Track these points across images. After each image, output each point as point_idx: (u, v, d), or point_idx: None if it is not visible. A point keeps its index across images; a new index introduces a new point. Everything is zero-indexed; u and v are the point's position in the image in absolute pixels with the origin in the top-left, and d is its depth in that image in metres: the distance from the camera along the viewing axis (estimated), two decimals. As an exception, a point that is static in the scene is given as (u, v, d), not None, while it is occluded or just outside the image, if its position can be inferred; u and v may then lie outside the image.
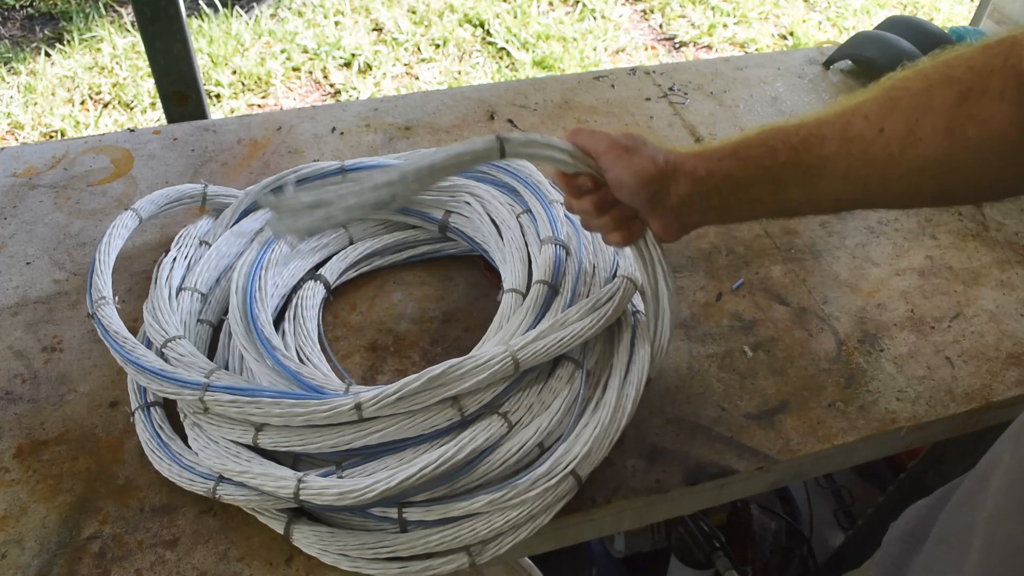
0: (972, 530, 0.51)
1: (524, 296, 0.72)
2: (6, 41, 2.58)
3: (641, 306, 0.74)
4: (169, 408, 0.70)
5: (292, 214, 0.60)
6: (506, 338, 0.67)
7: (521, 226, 0.79)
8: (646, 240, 0.67)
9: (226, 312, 0.75)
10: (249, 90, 2.46)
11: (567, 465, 0.61)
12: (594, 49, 2.73)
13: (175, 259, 0.79)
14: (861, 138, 0.57)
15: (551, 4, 2.98)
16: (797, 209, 0.65)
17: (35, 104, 2.33)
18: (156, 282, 0.76)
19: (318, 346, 0.75)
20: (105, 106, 2.35)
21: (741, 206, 0.64)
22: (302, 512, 0.64)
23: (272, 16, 2.76)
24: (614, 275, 0.71)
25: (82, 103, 2.36)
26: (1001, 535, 0.47)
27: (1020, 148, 0.52)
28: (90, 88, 2.40)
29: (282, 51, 2.59)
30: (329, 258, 0.84)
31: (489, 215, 0.82)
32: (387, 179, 0.60)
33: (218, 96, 2.41)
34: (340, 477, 0.61)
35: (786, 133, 0.60)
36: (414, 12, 2.86)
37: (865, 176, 0.58)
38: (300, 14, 2.79)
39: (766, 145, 0.61)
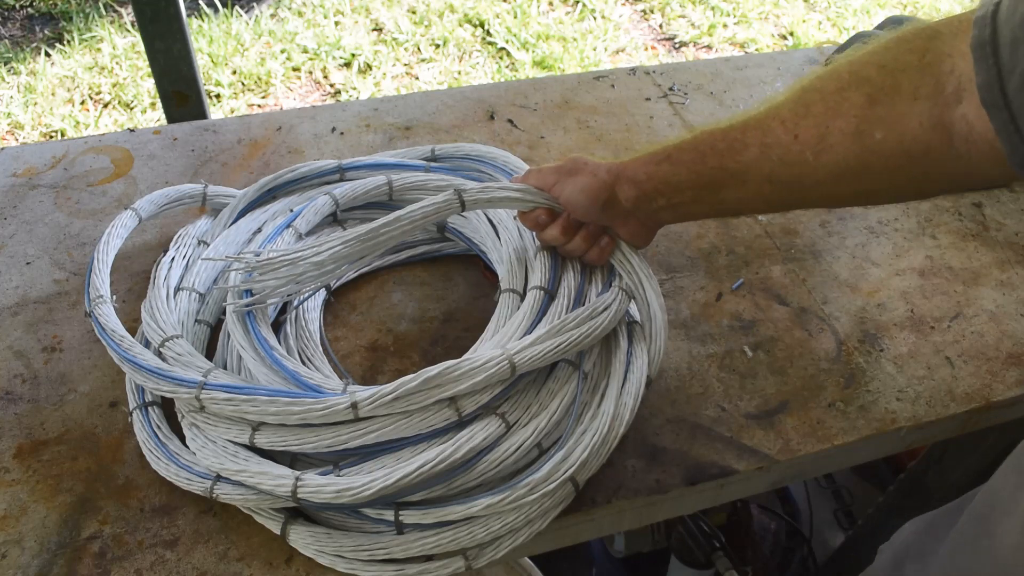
0: None
1: (521, 297, 0.72)
2: (6, 41, 2.58)
3: (637, 315, 0.74)
4: (167, 408, 0.70)
5: (269, 275, 0.67)
6: (503, 340, 0.67)
7: (518, 227, 0.78)
8: (622, 251, 0.72)
9: (224, 312, 0.75)
10: (249, 90, 2.46)
11: (565, 471, 0.61)
12: (594, 49, 2.73)
13: (173, 259, 0.79)
14: (778, 144, 0.57)
15: (551, 4, 2.98)
16: (737, 209, 0.66)
17: (35, 104, 2.33)
18: (154, 282, 0.76)
19: (320, 348, 0.75)
20: (105, 106, 2.35)
21: (685, 206, 0.66)
22: (299, 513, 0.64)
23: (272, 16, 2.76)
24: (611, 284, 0.72)
25: (82, 103, 2.36)
26: None
27: (935, 150, 0.50)
28: (90, 88, 2.40)
29: (282, 51, 2.59)
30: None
31: (486, 215, 0.82)
32: (356, 235, 0.67)
33: (218, 96, 2.41)
34: (338, 476, 0.61)
35: (714, 137, 0.61)
36: (414, 12, 2.86)
37: (788, 180, 0.58)
38: (300, 14, 2.79)
39: (696, 150, 0.62)
